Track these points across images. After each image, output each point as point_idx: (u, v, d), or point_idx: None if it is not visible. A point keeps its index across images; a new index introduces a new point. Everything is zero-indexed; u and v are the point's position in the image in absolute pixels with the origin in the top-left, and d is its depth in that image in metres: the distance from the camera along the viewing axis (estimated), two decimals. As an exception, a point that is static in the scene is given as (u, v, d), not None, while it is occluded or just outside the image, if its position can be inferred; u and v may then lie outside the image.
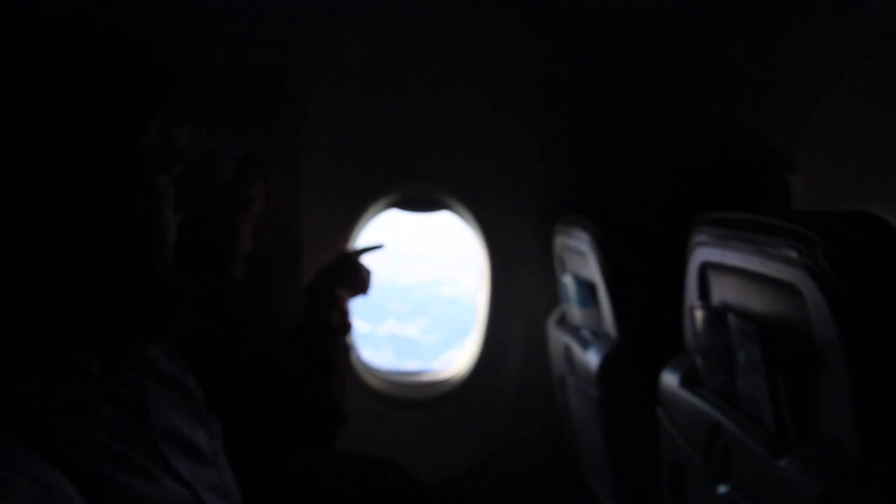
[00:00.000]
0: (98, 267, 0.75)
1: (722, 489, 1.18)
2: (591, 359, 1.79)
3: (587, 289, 1.88)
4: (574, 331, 2.02)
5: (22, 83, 0.71)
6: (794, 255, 0.95)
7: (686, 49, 2.05)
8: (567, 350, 2.02)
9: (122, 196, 0.76)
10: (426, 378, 2.58)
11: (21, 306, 0.73)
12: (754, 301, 1.15)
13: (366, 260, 1.93)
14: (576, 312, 2.01)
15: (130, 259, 0.77)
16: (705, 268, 1.32)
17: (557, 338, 2.15)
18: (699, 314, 1.31)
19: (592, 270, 1.81)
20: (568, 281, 2.02)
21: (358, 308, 2.00)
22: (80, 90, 0.74)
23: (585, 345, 1.87)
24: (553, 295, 2.25)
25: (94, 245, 0.74)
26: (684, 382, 1.37)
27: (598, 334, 1.86)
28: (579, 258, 1.92)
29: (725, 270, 1.25)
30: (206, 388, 1.12)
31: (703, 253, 1.31)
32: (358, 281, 1.90)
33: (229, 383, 1.26)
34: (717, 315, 1.24)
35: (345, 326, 1.89)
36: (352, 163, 2.24)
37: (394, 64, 2.14)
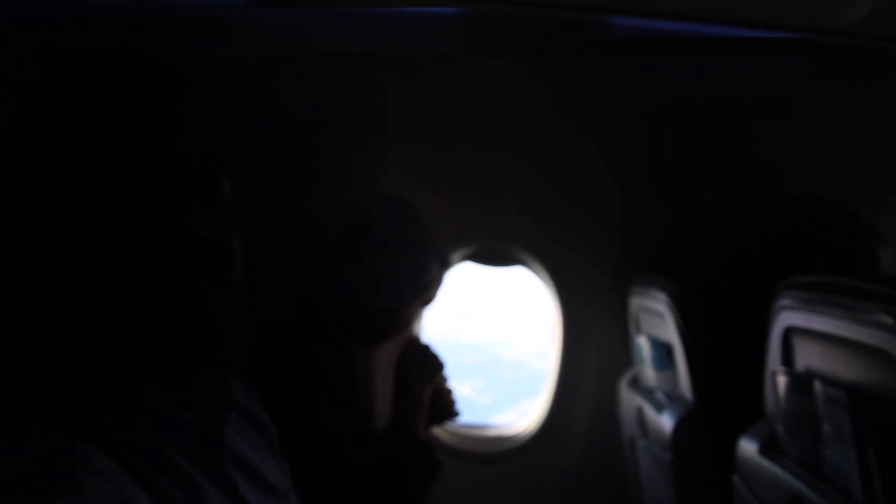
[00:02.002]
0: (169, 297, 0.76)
1: (803, 563, 1.13)
2: (665, 422, 1.75)
3: (663, 350, 1.85)
4: (647, 393, 1.99)
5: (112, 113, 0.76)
6: (889, 320, 0.93)
7: (772, 114, 2.05)
8: (639, 412, 1.98)
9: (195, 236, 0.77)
10: (492, 433, 2.56)
11: (98, 333, 0.75)
12: (841, 367, 1.12)
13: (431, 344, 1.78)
14: (650, 374, 1.98)
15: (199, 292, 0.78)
16: (789, 332, 1.30)
17: (629, 399, 2.11)
18: (782, 380, 1.28)
19: (669, 331, 1.79)
20: (643, 342, 2.00)
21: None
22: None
23: (659, 407, 1.83)
24: (626, 356, 2.22)
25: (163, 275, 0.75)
26: (764, 450, 1.33)
27: (673, 397, 1.83)
28: (656, 319, 1.90)
29: (811, 335, 1.22)
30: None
31: (788, 317, 1.28)
32: (433, 368, 1.74)
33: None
34: (801, 381, 1.21)
35: (446, 413, 1.75)
36: (428, 215, 2.28)
37: (472, 117, 2.19)
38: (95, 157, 0.73)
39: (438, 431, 2.45)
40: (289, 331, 1.63)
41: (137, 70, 0.78)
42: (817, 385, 1.14)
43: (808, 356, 1.25)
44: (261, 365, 1.45)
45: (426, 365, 1.73)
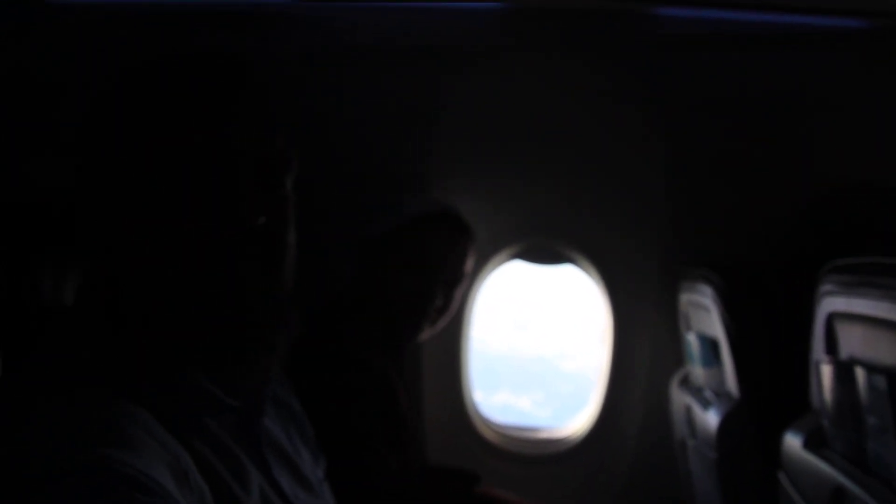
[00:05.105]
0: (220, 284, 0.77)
1: (845, 558, 1.08)
2: (711, 419, 1.69)
3: (710, 346, 1.79)
4: (697, 391, 1.92)
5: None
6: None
7: (818, 103, 1.97)
8: (688, 411, 1.92)
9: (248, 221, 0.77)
10: (543, 435, 2.53)
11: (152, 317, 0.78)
12: (884, 352, 1.06)
13: None
14: (699, 372, 1.92)
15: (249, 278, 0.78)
16: (832, 318, 1.24)
17: (680, 399, 2.05)
18: (826, 369, 1.23)
19: (715, 326, 1.73)
20: (692, 339, 1.94)
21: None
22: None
23: (706, 405, 1.77)
24: (677, 355, 2.16)
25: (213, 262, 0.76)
26: (808, 444, 1.27)
27: (720, 394, 1.77)
28: (703, 314, 1.84)
29: (853, 320, 1.16)
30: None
31: (830, 303, 1.23)
32: None
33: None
34: (845, 370, 1.15)
35: None
36: (478, 212, 2.27)
37: (520, 112, 2.17)
38: (160, 147, 0.75)
39: (486, 432, 2.43)
40: (329, 327, 1.65)
41: (207, 67, 0.80)
42: (860, 373, 1.08)
43: (851, 343, 1.19)
44: (300, 359, 1.47)
45: None
